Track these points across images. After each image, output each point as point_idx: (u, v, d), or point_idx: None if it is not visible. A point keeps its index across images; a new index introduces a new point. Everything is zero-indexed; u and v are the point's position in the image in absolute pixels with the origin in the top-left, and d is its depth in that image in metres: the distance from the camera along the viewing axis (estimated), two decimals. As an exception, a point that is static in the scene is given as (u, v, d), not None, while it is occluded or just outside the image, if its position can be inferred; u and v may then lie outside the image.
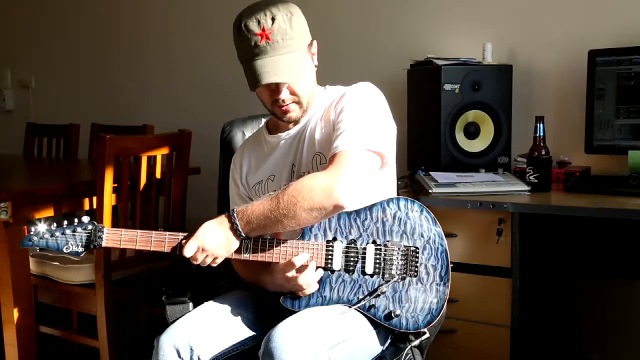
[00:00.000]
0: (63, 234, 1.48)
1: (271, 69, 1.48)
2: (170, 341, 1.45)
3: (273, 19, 1.47)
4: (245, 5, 1.53)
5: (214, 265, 1.50)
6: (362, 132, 1.48)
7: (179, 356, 1.44)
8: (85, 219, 1.50)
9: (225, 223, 1.47)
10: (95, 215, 2.20)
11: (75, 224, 1.49)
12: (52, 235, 1.48)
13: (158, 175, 2.41)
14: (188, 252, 1.46)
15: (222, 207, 1.98)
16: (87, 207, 2.36)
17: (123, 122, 3.33)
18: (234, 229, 1.47)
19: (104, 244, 1.49)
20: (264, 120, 2.02)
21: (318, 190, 1.40)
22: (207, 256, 1.48)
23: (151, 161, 2.40)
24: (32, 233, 1.47)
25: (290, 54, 1.50)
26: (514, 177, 2.24)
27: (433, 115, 2.31)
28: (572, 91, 2.41)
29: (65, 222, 1.49)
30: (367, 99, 1.55)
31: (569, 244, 2.31)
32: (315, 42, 1.59)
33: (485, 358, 2.12)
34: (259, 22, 1.47)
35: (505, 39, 2.53)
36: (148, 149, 2.35)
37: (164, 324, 1.59)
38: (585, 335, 2.46)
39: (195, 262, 1.48)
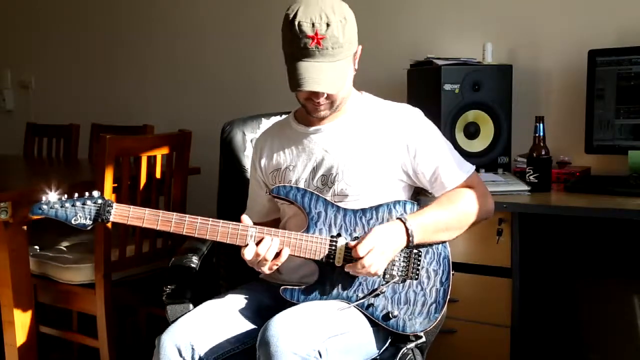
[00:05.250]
0: (73, 205, 1.48)
1: (315, 75, 1.46)
2: (171, 340, 1.46)
3: (328, 25, 1.45)
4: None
5: (377, 273, 1.47)
6: (457, 161, 1.63)
7: (180, 355, 1.44)
8: (96, 193, 1.50)
9: (400, 227, 1.49)
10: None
11: (86, 197, 1.49)
12: (62, 206, 1.47)
13: (158, 175, 2.41)
14: (362, 250, 1.43)
15: (222, 207, 1.98)
16: (87, 207, 2.36)
17: (123, 122, 3.33)
18: (408, 234, 1.49)
19: (111, 219, 1.48)
20: (264, 120, 2.02)
21: (483, 214, 1.61)
22: (380, 257, 1.45)
23: (151, 161, 2.39)
24: (42, 202, 1.47)
25: (336, 62, 1.48)
26: (514, 177, 2.24)
27: (433, 116, 2.27)
28: (572, 91, 2.41)
29: (76, 195, 1.50)
30: (435, 129, 1.68)
31: (569, 244, 2.30)
32: (360, 47, 1.58)
33: (485, 358, 2.12)
34: (313, 25, 1.44)
35: (505, 39, 2.53)
36: (148, 149, 2.35)
37: (164, 324, 1.59)
38: (585, 336, 2.45)
39: (366, 264, 1.44)
